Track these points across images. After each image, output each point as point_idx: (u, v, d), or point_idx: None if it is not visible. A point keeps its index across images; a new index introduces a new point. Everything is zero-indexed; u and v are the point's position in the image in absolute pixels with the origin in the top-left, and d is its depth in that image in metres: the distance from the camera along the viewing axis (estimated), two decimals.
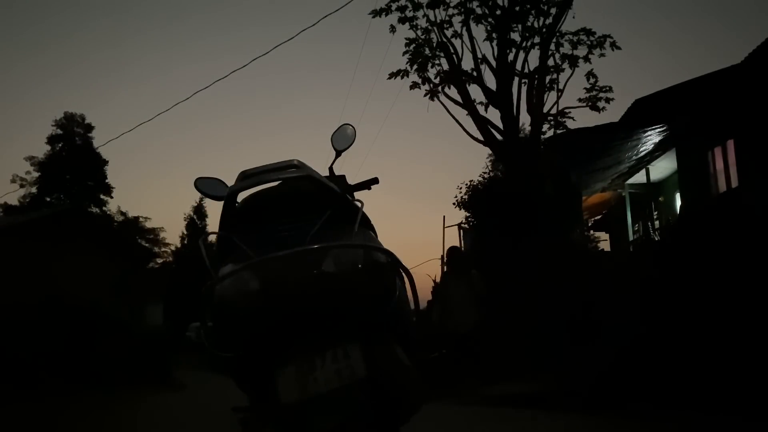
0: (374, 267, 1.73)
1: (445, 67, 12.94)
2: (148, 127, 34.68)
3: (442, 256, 15.90)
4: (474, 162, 67.60)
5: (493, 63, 12.62)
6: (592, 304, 6.94)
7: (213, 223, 39.82)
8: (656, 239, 9.24)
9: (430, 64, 13.11)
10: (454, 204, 15.46)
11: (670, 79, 11.05)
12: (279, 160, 1.83)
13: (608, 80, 29.48)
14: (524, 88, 12.58)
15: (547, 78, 12.72)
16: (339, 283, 1.67)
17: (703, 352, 4.82)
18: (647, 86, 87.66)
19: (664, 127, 10.62)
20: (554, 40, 12.65)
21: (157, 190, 59.50)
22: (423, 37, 13.00)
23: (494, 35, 12.69)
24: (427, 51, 13.06)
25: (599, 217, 16.85)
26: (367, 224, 2.00)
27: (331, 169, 2.41)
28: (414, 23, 12.94)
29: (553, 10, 12.40)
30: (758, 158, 8.35)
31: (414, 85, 13.22)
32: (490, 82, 12.64)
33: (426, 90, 13.13)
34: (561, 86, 12.88)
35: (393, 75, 13.23)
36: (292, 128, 61.82)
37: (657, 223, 12.85)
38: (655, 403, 4.81)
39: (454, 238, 16.13)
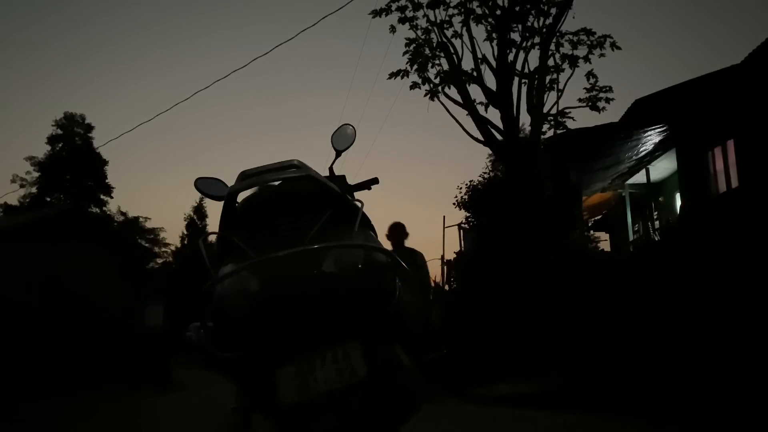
0: (374, 267, 1.73)
1: (445, 67, 12.94)
2: (148, 127, 34.56)
3: (442, 256, 15.91)
4: (474, 162, 67.51)
5: (493, 63, 12.62)
6: (591, 304, 6.94)
7: (213, 223, 39.81)
8: (656, 239, 9.24)
9: (430, 64, 13.11)
10: (454, 204, 15.43)
11: (670, 79, 11.06)
12: (279, 160, 1.83)
13: (608, 80, 29.50)
14: (524, 88, 12.57)
15: (547, 78, 12.71)
16: (339, 283, 1.67)
17: (703, 352, 4.82)
18: (647, 86, 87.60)
19: (664, 127, 10.62)
20: (554, 40, 12.64)
21: (157, 190, 59.39)
22: (423, 37, 13.00)
23: (494, 35, 12.68)
24: (427, 51, 13.05)
25: (599, 217, 16.84)
26: (367, 224, 2.00)
27: (331, 169, 2.41)
28: (414, 23, 12.94)
29: (553, 10, 12.39)
30: (758, 158, 8.35)
31: (414, 85, 13.21)
32: (490, 82, 12.65)
33: (426, 90, 13.13)
34: (561, 86, 12.87)
35: (393, 75, 13.23)
36: (292, 128, 61.69)
37: (657, 223, 12.85)
38: (654, 403, 4.81)
39: (454, 238, 16.14)
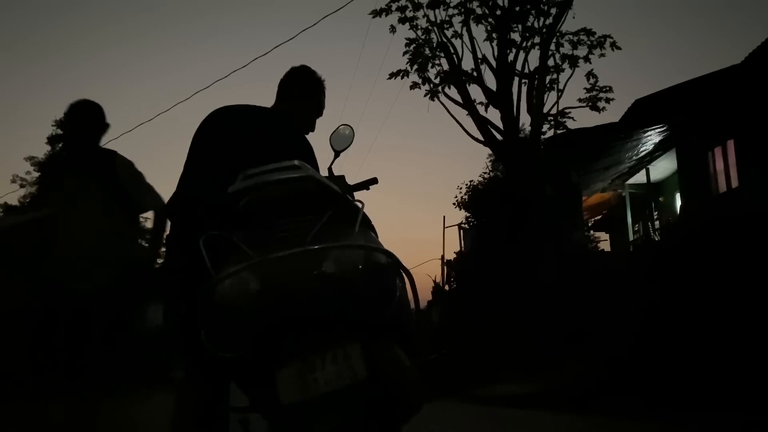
0: (375, 268, 1.73)
1: (445, 67, 12.94)
2: (148, 127, 34.67)
3: (442, 256, 15.93)
4: (474, 162, 67.58)
5: (493, 63, 12.62)
6: (592, 305, 6.94)
7: None
8: (656, 239, 9.25)
9: (430, 64, 13.11)
10: (454, 204, 15.49)
11: (670, 79, 11.06)
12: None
13: (608, 80, 29.43)
14: (524, 88, 12.57)
15: (547, 78, 12.71)
16: (339, 284, 1.67)
17: (703, 352, 4.83)
18: (647, 86, 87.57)
19: (664, 127, 10.64)
20: (554, 40, 12.64)
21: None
22: (423, 37, 13.00)
23: (494, 35, 12.68)
24: (427, 51, 13.05)
25: (599, 217, 16.87)
26: (367, 225, 2.00)
27: (330, 169, 2.41)
28: (414, 23, 12.94)
29: (553, 11, 12.38)
30: (758, 158, 8.35)
31: (414, 86, 13.21)
32: (490, 82, 12.65)
33: (426, 90, 13.13)
34: (561, 86, 12.86)
35: (393, 75, 13.22)
36: None
37: (657, 223, 12.86)
38: (654, 402, 4.81)
39: (454, 238, 16.16)
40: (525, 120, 13.58)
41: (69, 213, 3.07)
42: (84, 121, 3.26)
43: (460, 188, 15.45)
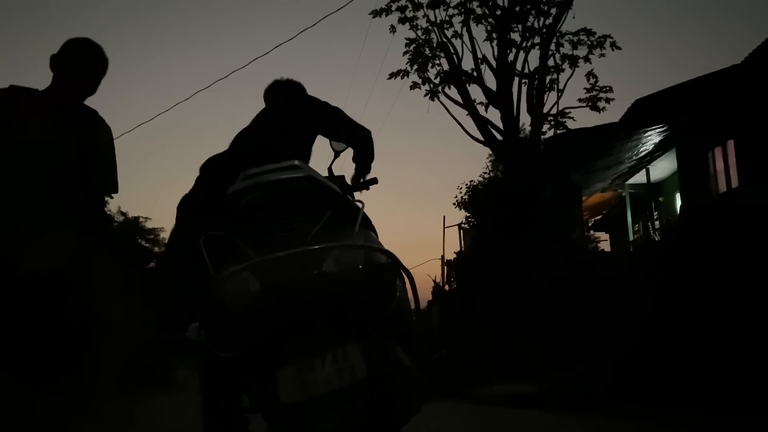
0: (375, 267, 1.73)
1: (446, 67, 12.96)
2: (148, 127, 34.76)
3: (442, 256, 15.93)
4: (474, 162, 67.67)
5: (493, 63, 12.64)
6: (591, 304, 6.94)
7: None
8: (656, 239, 9.25)
9: (430, 64, 13.13)
10: (454, 204, 15.48)
11: (670, 79, 11.08)
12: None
13: (608, 80, 29.54)
14: (524, 88, 12.59)
15: (547, 78, 12.72)
16: (339, 284, 1.67)
17: (703, 352, 4.83)
18: (647, 86, 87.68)
19: (664, 127, 10.63)
20: (554, 40, 12.66)
21: (157, 190, 59.42)
22: (423, 37, 13.02)
23: (494, 35, 12.69)
24: (427, 51, 13.07)
25: (599, 217, 16.86)
26: (367, 225, 2.00)
27: (330, 169, 2.42)
28: (414, 23, 12.96)
29: (553, 11, 12.40)
30: (758, 158, 8.35)
31: (414, 86, 13.23)
32: (490, 82, 12.66)
33: (426, 90, 13.15)
34: (561, 86, 12.89)
35: (393, 75, 13.24)
36: None
37: (657, 223, 12.86)
38: (654, 403, 4.81)
39: (454, 238, 16.16)
40: (525, 120, 13.60)
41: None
42: (91, 67, 2.43)
43: (460, 188, 15.46)
